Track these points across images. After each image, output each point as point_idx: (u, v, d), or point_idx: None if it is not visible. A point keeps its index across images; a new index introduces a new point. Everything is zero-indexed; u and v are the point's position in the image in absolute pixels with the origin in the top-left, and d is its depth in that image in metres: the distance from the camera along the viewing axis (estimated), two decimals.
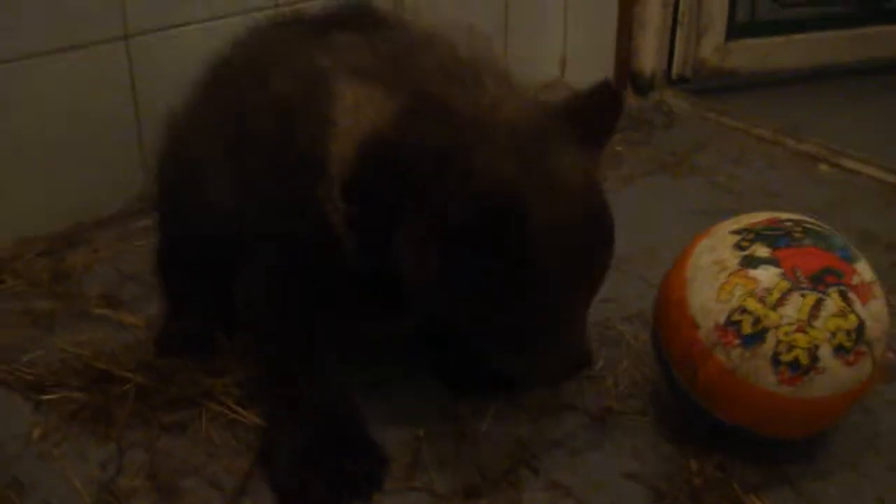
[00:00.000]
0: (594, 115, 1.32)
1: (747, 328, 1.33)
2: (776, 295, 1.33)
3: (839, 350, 1.32)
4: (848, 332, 1.33)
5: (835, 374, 1.33)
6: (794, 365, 1.32)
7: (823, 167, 2.51)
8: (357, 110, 1.29)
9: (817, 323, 1.32)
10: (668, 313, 1.44)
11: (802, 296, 1.33)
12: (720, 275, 1.37)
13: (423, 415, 1.55)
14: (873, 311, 1.36)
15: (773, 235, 1.40)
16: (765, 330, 1.33)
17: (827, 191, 2.36)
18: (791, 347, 1.32)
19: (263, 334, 1.48)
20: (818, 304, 1.33)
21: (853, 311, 1.34)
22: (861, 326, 1.34)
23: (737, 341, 1.34)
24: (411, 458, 1.47)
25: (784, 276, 1.34)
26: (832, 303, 1.33)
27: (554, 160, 1.26)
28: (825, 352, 1.32)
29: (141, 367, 1.65)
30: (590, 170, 1.30)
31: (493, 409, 1.57)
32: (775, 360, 1.32)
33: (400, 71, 1.33)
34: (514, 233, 1.19)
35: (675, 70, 2.85)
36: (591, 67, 2.70)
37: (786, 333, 1.32)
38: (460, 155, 1.21)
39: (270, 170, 1.37)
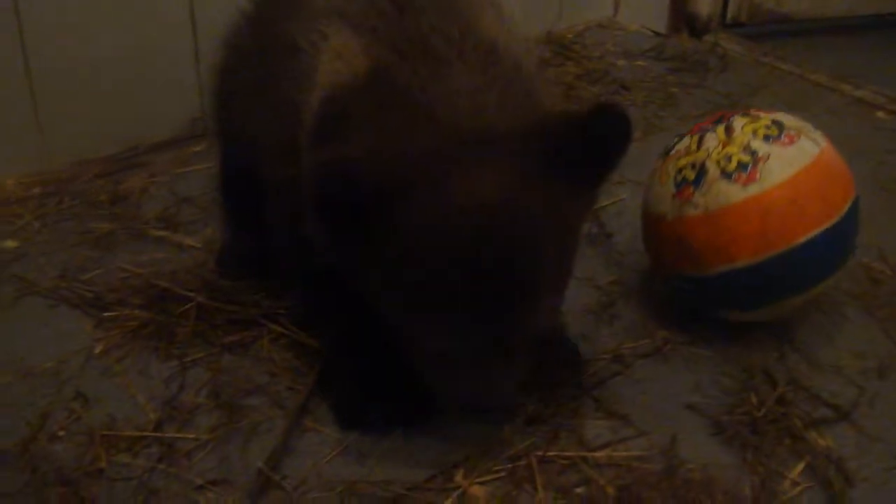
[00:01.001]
0: (587, 145, 1.16)
1: (691, 175, 1.47)
2: (694, 144, 1.51)
3: (768, 138, 1.46)
4: (767, 126, 1.48)
5: (780, 155, 1.45)
6: (742, 165, 1.44)
7: (880, 114, 2.47)
8: (333, 61, 1.25)
9: (736, 135, 1.48)
10: (646, 233, 1.60)
11: (713, 130, 1.50)
12: (653, 175, 1.57)
13: None
14: (780, 114, 1.53)
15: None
16: (702, 164, 1.47)
17: (885, 137, 2.33)
18: (729, 157, 1.45)
19: (296, 272, 1.48)
20: (729, 126, 1.49)
21: (760, 116, 1.51)
22: (775, 121, 1.49)
23: (692, 188, 1.47)
24: None
25: (692, 133, 1.54)
26: (738, 120, 1.51)
27: (462, 169, 1.12)
28: (757, 144, 1.46)
29: (202, 287, 1.66)
30: (520, 197, 1.13)
31: None
32: (726, 174, 1.44)
33: (387, 31, 1.25)
34: (348, 212, 1.12)
35: (730, 13, 2.82)
36: (645, 8, 2.67)
37: (717, 153, 1.47)
38: (365, 133, 1.17)
39: (276, 107, 1.36)
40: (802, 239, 1.43)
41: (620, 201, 1.94)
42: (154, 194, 1.97)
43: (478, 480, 1.29)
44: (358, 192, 1.10)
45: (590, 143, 1.15)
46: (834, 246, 1.48)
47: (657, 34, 2.86)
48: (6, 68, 1.93)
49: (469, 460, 1.32)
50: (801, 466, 1.35)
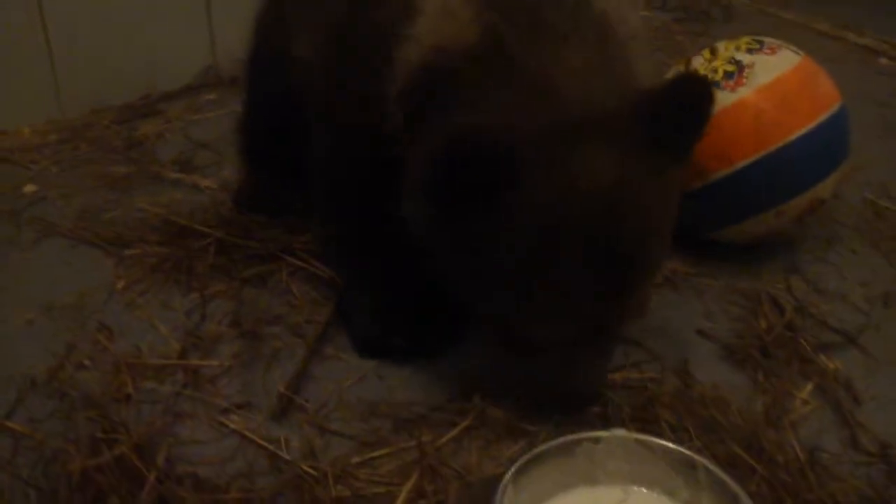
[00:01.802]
0: (675, 116, 1.15)
1: None
2: (682, 66, 1.60)
3: (751, 51, 1.55)
4: (748, 42, 1.57)
5: (764, 62, 1.54)
6: (730, 74, 1.52)
7: (884, 60, 2.50)
8: (441, 19, 1.20)
9: (718, 51, 1.57)
10: None
11: (699, 54, 1.60)
12: None
13: None
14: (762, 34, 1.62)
15: None
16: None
17: (888, 82, 2.36)
18: (715, 70, 1.54)
19: (328, 205, 1.50)
20: (713, 48, 1.59)
21: (737, 39, 1.60)
22: (756, 38, 1.58)
23: None
24: None
25: (682, 60, 1.64)
26: (721, 42, 1.60)
27: (582, 149, 1.11)
28: (741, 55, 1.54)
29: (219, 224, 1.69)
30: (634, 178, 1.13)
31: None
32: (715, 84, 1.51)
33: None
34: (472, 185, 1.09)
35: None
36: None
37: (704, 68, 1.55)
38: (482, 105, 1.14)
39: (352, 47, 1.33)
40: (795, 135, 1.50)
41: None
42: (169, 140, 2.00)
43: (496, 402, 1.31)
44: (490, 164, 1.08)
45: (680, 113, 1.15)
46: (827, 144, 1.54)
47: None
48: (22, 20, 1.96)
49: (486, 385, 1.34)
50: (810, 387, 1.38)
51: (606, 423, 1.23)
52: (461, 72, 1.16)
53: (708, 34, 2.55)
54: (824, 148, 1.53)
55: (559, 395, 1.25)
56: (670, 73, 1.34)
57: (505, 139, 1.08)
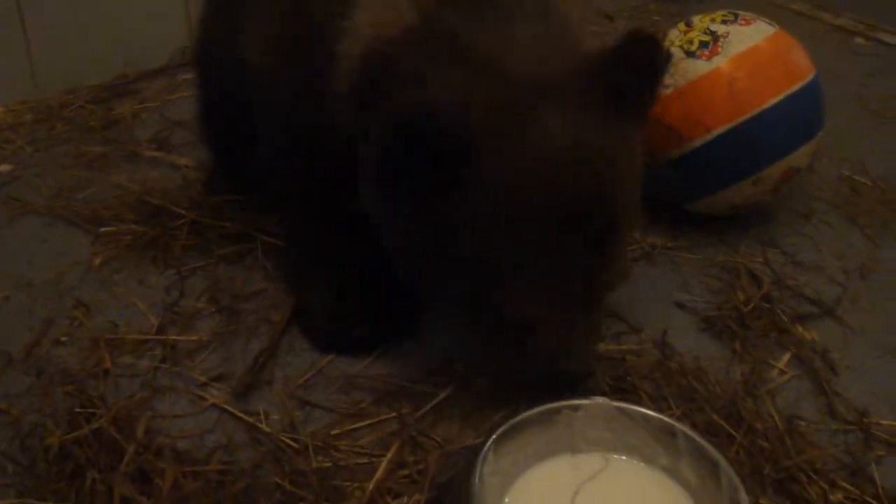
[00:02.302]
0: (628, 76, 1.13)
1: None
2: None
3: (725, 22, 1.58)
4: (723, 14, 1.60)
5: (739, 32, 1.56)
6: (705, 44, 1.55)
7: (860, 40, 2.51)
8: (376, 9, 1.18)
9: (694, 23, 1.61)
10: None
11: (676, 27, 1.63)
12: None
13: None
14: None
15: None
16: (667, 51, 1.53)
17: (863, 62, 2.38)
18: (691, 41, 1.57)
19: (281, 202, 1.49)
20: (688, 22, 1.63)
21: (712, 12, 1.63)
22: (731, 11, 1.62)
23: None
24: None
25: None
26: (696, 17, 1.63)
27: (536, 117, 1.08)
28: (716, 26, 1.57)
29: (194, 205, 1.68)
30: (593, 139, 1.10)
31: None
32: (690, 53, 1.56)
33: None
34: (420, 161, 1.06)
35: None
36: None
37: (679, 40, 1.59)
38: (427, 84, 1.10)
39: (293, 44, 1.31)
40: (769, 103, 1.52)
41: None
42: (146, 119, 1.99)
43: (476, 373, 1.31)
44: (440, 140, 1.04)
45: (631, 72, 1.13)
46: (801, 112, 1.56)
47: None
48: None
49: (466, 354, 1.35)
50: (787, 357, 1.39)
51: (586, 394, 1.23)
52: (403, 56, 1.14)
53: (684, 14, 2.53)
54: (799, 117, 1.55)
55: (551, 374, 1.20)
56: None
57: (453, 113, 1.05)
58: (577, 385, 1.20)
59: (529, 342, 1.17)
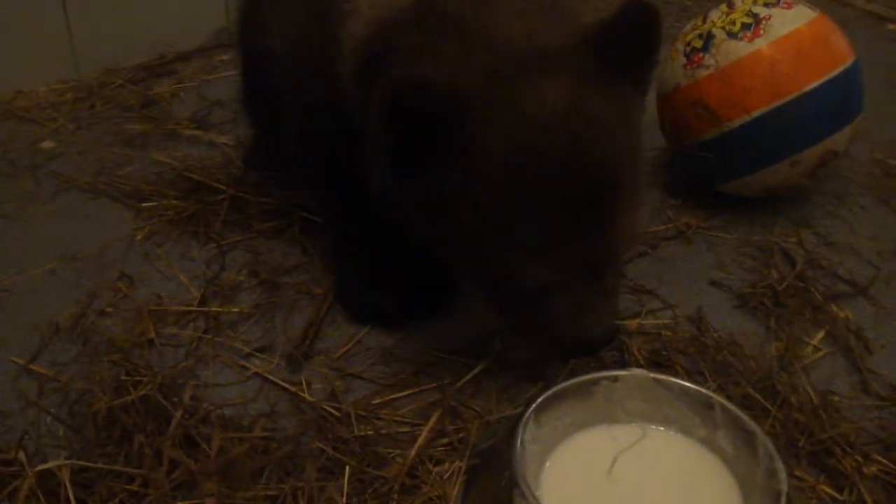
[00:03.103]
0: (625, 45, 1.14)
1: (699, 43, 1.59)
2: (699, 20, 1.63)
3: (767, 4, 1.57)
4: None
5: (781, 15, 1.56)
6: (747, 26, 1.56)
7: (891, 26, 2.51)
8: None
9: (736, 6, 1.60)
10: (662, 109, 1.68)
11: (717, 8, 1.62)
12: (664, 59, 1.64)
13: None
14: None
15: None
16: (709, 32, 1.59)
17: (895, 48, 2.37)
18: (733, 22, 1.57)
19: (307, 179, 1.53)
20: (730, 3, 1.61)
21: None
22: None
23: (701, 54, 1.58)
24: None
25: (699, 15, 1.66)
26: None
27: (530, 85, 1.10)
28: (758, 8, 1.57)
29: (233, 181, 1.70)
30: (589, 105, 1.11)
31: None
32: (732, 35, 1.56)
33: None
34: (414, 131, 1.08)
35: None
36: None
37: (721, 21, 1.59)
38: (422, 61, 1.13)
39: (307, 31, 1.35)
40: (811, 85, 1.53)
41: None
42: (184, 99, 2.01)
43: (514, 346, 1.33)
44: (435, 106, 1.06)
45: (628, 40, 1.14)
46: (840, 97, 1.56)
47: None
48: None
49: (502, 332, 1.36)
50: (821, 334, 1.40)
51: (623, 367, 1.24)
52: (399, 35, 1.16)
53: (699, 3, 2.56)
54: (838, 100, 1.56)
55: (568, 342, 1.20)
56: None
57: (443, 85, 1.07)
58: (594, 352, 1.22)
59: (542, 310, 1.17)
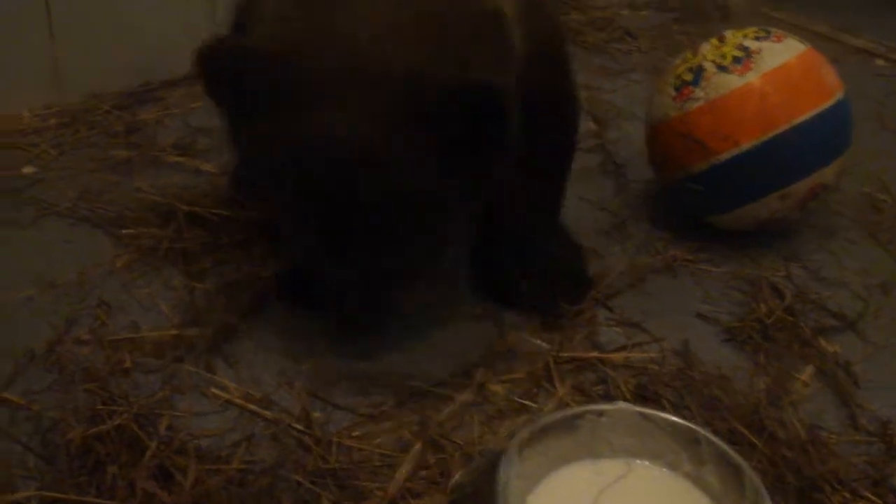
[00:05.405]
0: (464, 116, 1.10)
1: (689, 77, 1.58)
2: (690, 54, 1.62)
3: (758, 38, 1.57)
4: (756, 31, 1.60)
5: (771, 48, 1.56)
6: (738, 59, 1.55)
7: (880, 62, 2.52)
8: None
9: (727, 38, 1.60)
10: (651, 141, 1.67)
11: (708, 41, 1.61)
12: (652, 93, 1.68)
13: None
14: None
15: None
16: (699, 66, 1.58)
17: (884, 83, 2.38)
18: (723, 55, 1.56)
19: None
20: (721, 37, 1.61)
21: (744, 28, 1.63)
22: (763, 28, 1.62)
23: (691, 87, 1.57)
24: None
25: (689, 49, 1.65)
26: (728, 32, 1.62)
27: (336, 105, 1.13)
28: (749, 42, 1.57)
29: (217, 208, 1.69)
30: (372, 139, 1.12)
31: None
32: (722, 68, 1.55)
33: None
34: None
35: None
36: None
37: (712, 54, 1.58)
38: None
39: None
40: (800, 119, 1.52)
41: (627, 136, 1.97)
42: (169, 125, 1.99)
43: (497, 378, 1.31)
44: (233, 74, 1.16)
45: (464, 115, 1.10)
46: (830, 130, 1.56)
47: None
48: (25, 4, 1.95)
49: (486, 360, 1.35)
50: (810, 369, 1.38)
51: (609, 401, 1.22)
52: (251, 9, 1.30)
53: (706, 34, 2.55)
54: (828, 133, 1.55)
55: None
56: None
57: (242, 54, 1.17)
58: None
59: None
